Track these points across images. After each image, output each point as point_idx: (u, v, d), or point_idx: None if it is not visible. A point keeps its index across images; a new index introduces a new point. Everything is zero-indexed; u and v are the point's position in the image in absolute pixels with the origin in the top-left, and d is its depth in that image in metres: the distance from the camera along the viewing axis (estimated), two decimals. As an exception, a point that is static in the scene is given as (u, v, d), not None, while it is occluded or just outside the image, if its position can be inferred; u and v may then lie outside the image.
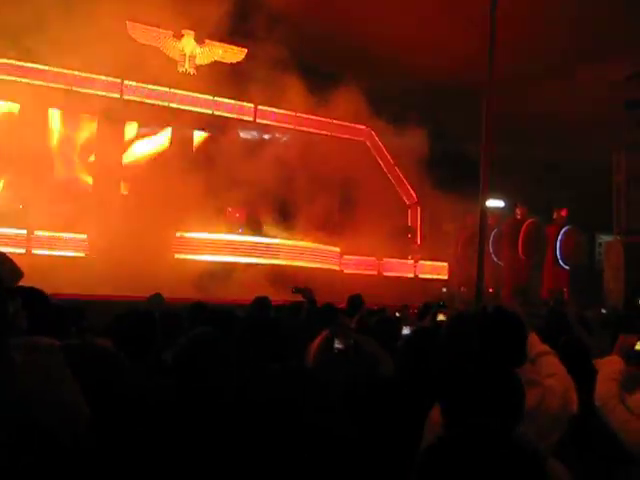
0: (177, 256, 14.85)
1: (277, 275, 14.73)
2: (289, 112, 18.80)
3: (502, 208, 21.57)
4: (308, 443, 2.01)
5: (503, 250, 18.97)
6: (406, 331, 4.55)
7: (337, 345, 3.11)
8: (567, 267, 18.55)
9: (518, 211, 18.86)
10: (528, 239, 18.47)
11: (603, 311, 8.63)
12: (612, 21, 15.99)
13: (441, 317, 5.93)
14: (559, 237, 18.26)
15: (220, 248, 15.37)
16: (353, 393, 2.85)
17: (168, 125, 17.66)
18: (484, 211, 12.46)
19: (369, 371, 3.10)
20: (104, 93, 16.68)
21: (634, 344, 3.99)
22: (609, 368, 3.76)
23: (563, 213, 18.41)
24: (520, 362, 3.04)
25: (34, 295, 2.95)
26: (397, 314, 6.09)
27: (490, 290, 16.58)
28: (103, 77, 16.62)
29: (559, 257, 18.29)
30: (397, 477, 2.32)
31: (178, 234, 15.19)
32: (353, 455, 2.23)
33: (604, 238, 23.45)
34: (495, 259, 19.01)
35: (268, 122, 18.61)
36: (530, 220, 18.69)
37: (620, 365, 3.79)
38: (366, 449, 2.50)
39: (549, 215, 19.02)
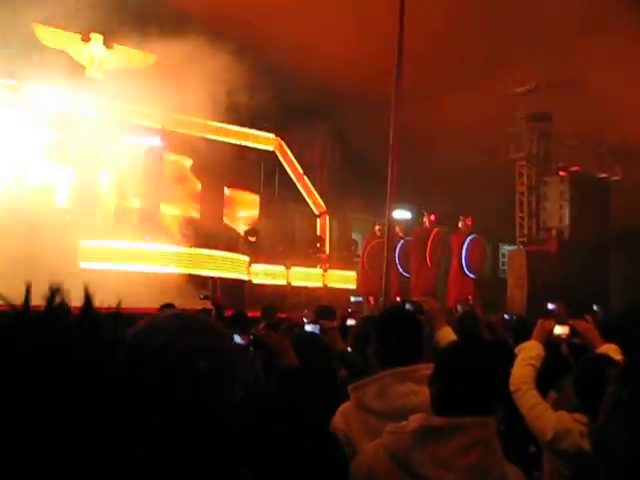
0: (82, 265, 14.49)
1: (185, 283, 14.58)
2: (198, 119, 18.60)
3: (409, 219, 21.83)
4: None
5: (410, 259, 19.07)
6: (309, 327, 4.71)
7: (237, 341, 3.21)
8: (472, 276, 18.83)
9: (426, 219, 18.97)
10: (436, 247, 18.67)
11: (506, 317, 8.85)
12: (515, 35, 16.47)
13: (350, 322, 6.04)
14: (465, 246, 18.52)
15: (127, 257, 15.06)
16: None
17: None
18: (391, 221, 12.64)
19: (269, 363, 3.15)
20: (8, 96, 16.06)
21: (552, 329, 4.04)
22: (527, 354, 3.81)
23: (468, 222, 18.67)
24: (419, 357, 3.10)
25: None
26: (304, 319, 6.16)
27: (398, 299, 16.69)
28: (5, 80, 16.03)
29: (465, 266, 18.54)
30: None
31: (83, 242, 14.82)
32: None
33: (507, 248, 24.09)
34: (401, 270, 19.11)
35: (175, 129, 18.33)
36: (438, 228, 18.89)
37: (539, 350, 3.83)
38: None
39: (455, 225, 19.31)
